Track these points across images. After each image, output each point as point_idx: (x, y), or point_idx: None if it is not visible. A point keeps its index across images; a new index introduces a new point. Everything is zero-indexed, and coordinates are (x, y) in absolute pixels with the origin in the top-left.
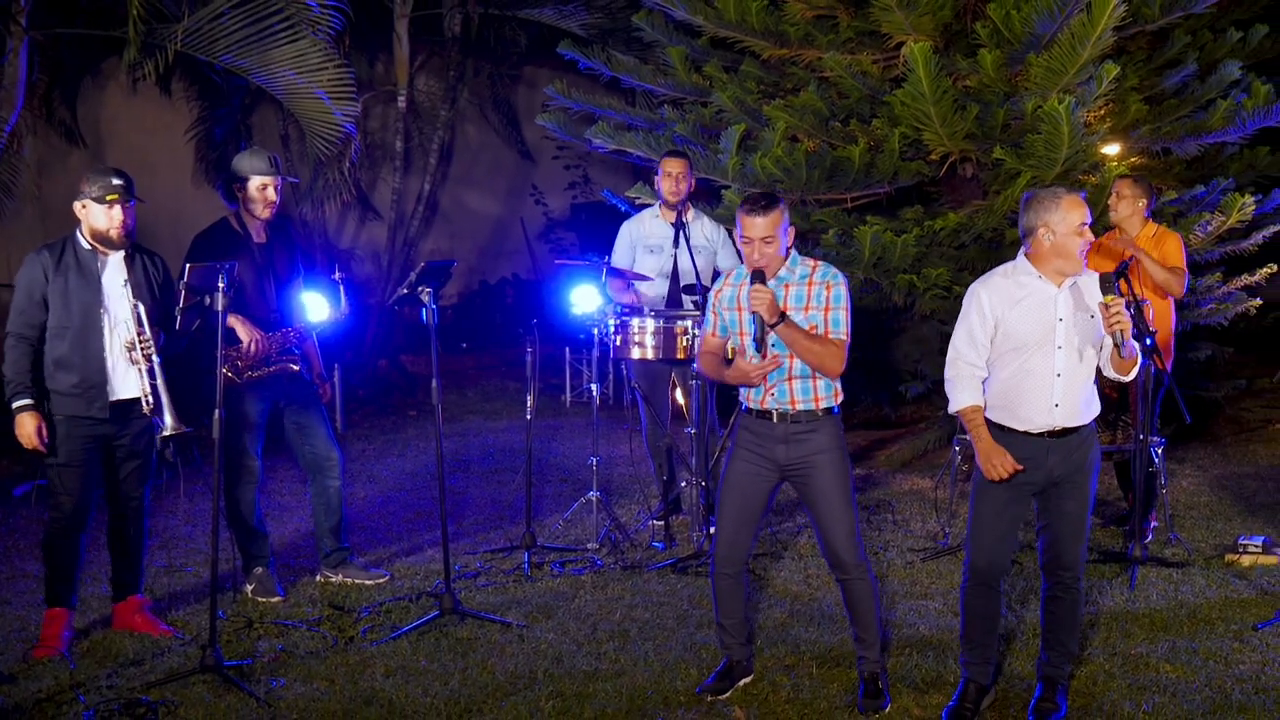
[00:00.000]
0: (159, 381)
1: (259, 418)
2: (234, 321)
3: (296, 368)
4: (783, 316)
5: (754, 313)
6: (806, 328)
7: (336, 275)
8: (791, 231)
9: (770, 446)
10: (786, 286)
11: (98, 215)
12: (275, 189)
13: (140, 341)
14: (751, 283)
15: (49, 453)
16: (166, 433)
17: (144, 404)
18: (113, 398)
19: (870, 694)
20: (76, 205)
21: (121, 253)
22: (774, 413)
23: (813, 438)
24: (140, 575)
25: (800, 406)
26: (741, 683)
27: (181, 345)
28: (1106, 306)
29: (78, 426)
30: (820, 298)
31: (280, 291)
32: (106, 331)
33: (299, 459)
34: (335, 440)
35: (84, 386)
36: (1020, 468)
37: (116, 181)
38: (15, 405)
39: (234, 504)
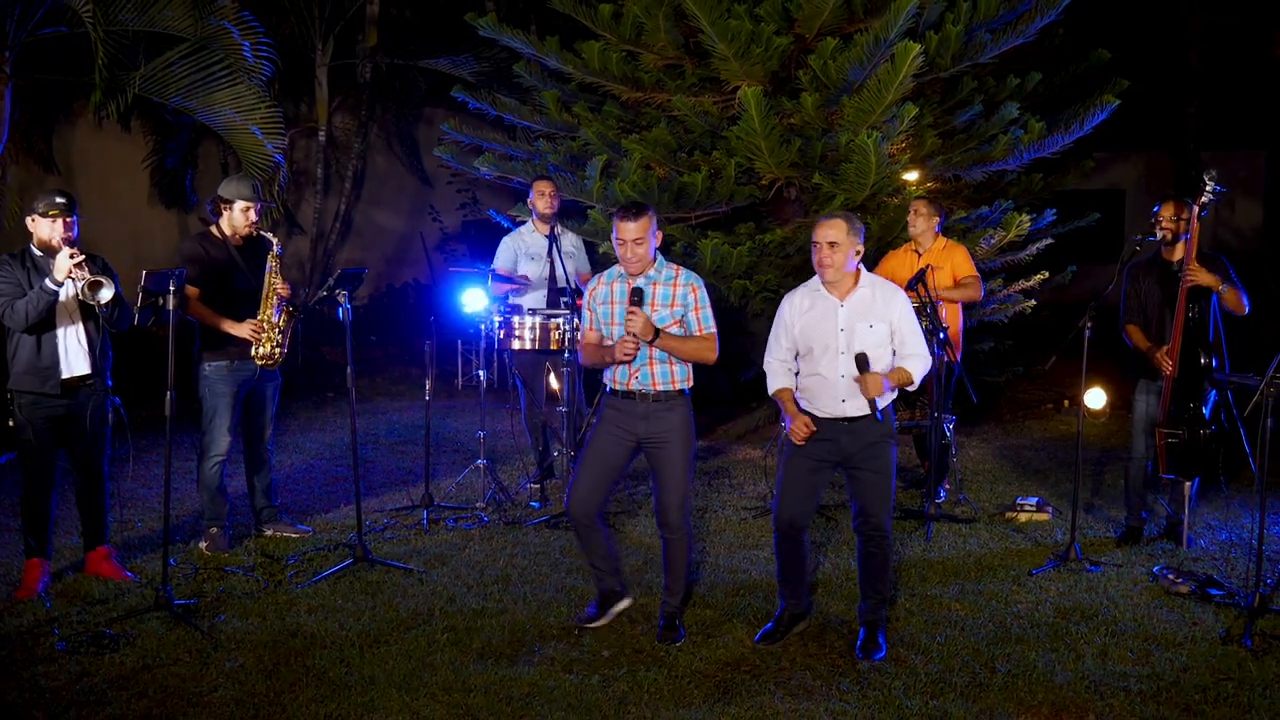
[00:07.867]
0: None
1: (238, 399)
2: (228, 326)
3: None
4: (657, 333)
5: (632, 333)
6: (672, 321)
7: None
8: (659, 236)
9: (633, 422)
10: (655, 285)
11: (42, 227)
12: (256, 211)
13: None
14: (631, 303)
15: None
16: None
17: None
18: (64, 376)
19: (669, 628)
20: (27, 220)
21: None
22: (637, 393)
23: (669, 416)
24: (106, 529)
25: (660, 387)
26: (618, 607)
27: (124, 325)
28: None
29: (37, 409)
30: (687, 299)
31: (260, 285)
32: (60, 323)
33: (242, 422)
34: (274, 416)
35: (38, 368)
36: (814, 429)
37: (59, 200)
38: (51, 286)
39: (203, 472)
